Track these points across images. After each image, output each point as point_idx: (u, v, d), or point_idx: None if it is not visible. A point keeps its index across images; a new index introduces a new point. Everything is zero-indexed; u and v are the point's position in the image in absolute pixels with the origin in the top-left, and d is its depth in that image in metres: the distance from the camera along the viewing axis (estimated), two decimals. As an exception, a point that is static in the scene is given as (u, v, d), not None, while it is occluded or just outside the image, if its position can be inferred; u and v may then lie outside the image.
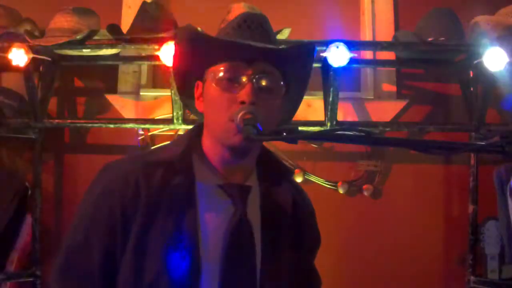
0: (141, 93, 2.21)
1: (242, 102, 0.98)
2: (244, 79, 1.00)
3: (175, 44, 1.11)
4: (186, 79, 1.11)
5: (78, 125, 2.06)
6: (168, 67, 1.81)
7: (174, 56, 1.11)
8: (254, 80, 1.00)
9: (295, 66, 1.07)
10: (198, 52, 1.04)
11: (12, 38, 1.86)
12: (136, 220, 0.97)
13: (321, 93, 1.92)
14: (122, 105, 2.16)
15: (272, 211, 1.07)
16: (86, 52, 1.95)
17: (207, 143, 1.07)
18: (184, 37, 1.07)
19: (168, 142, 2.12)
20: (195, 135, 1.09)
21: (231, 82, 1.01)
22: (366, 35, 2.26)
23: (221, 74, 1.01)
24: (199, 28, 1.88)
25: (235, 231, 1.01)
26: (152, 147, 2.12)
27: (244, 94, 0.98)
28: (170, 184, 1.01)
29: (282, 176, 1.14)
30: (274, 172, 1.13)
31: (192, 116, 2.04)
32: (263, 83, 1.01)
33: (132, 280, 0.97)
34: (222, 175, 1.05)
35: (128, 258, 0.97)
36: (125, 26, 1.96)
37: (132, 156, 1.13)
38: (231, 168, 1.05)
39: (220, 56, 1.02)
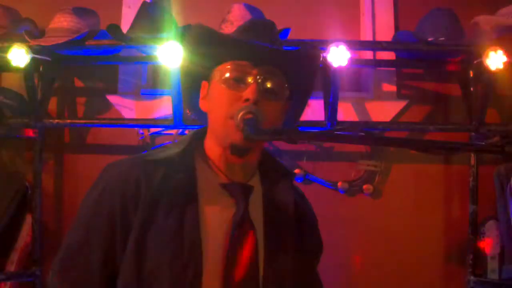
0: (141, 93, 2.21)
1: (246, 100, 1.00)
2: (250, 79, 1.02)
3: (183, 43, 1.13)
4: (194, 79, 1.13)
5: (78, 125, 2.06)
6: (168, 67, 1.81)
7: (183, 56, 1.12)
8: (260, 80, 1.02)
9: (300, 70, 1.08)
10: (206, 51, 1.06)
11: (12, 38, 1.86)
12: (136, 218, 0.98)
13: (321, 93, 1.92)
14: (122, 105, 2.16)
15: (274, 212, 1.08)
16: (86, 52, 1.95)
17: (209, 144, 1.09)
18: (193, 36, 1.09)
19: (169, 142, 2.13)
20: (197, 137, 1.11)
21: (237, 81, 1.03)
22: (366, 35, 2.26)
23: (227, 73, 1.03)
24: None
25: (237, 229, 1.01)
26: (152, 148, 2.13)
27: (249, 92, 1.00)
28: (171, 182, 1.01)
29: (283, 178, 1.14)
30: (275, 174, 1.13)
31: (192, 117, 2.04)
32: (268, 84, 1.03)
33: (134, 278, 0.97)
34: (224, 174, 1.06)
35: (129, 256, 0.97)
36: (125, 26, 1.96)
37: (133, 156, 1.14)
38: (233, 168, 1.06)
39: (227, 56, 1.04)
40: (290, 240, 1.08)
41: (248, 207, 1.03)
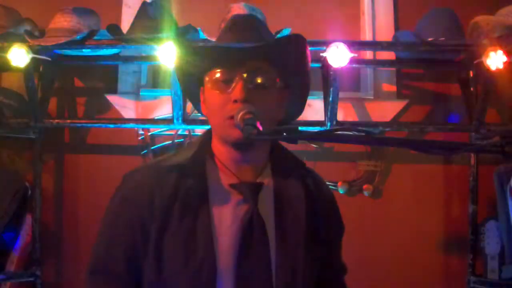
0: (141, 93, 2.21)
1: (235, 101, 1.01)
2: (236, 78, 1.03)
3: (176, 53, 1.14)
4: (188, 85, 1.16)
5: (78, 125, 2.06)
6: (168, 67, 1.81)
7: (177, 65, 1.16)
8: (246, 77, 1.03)
9: (289, 59, 1.08)
10: (195, 59, 1.09)
11: (12, 38, 1.86)
12: (153, 225, 1.02)
13: (321, 93, 1.93)
14: (122, 105, 2.16)
15: (285, 206, 1.09)
16: (86, 52, 1.95)
17: (216, 145, 1.11)
18: (179, 48, 1.11)
19: (170, 142, 2.13)
20: (206, 139, 1.13)
21: (225, 83, 1.04)
22: (366, 35, 2.26)
23: (216, 76, 1.05)
24: (198, 28, 1.89)
25: (247, 228, 1.03)
26: (152, 148, 2.13)
27: (236, 92, 1.02)
28: (183, 187, 1.05)
29: (294, 169, 1.15)
30: (286, 166, 1.14)
31: (192, 117, 2.04)
32: (255, 79, 1.04)
33: (154, 283, 1.02)
34: (233, 174, 1.08)
35: (149, 262, 1.02)
36: (125, 26, 1.96)
37: (147, 164, 1.19)
38: (241, 167, 1.08)
39: (214, 60, 1.06)
40: (302, 233, 1.08)
41: (257, 204, 1.05)
